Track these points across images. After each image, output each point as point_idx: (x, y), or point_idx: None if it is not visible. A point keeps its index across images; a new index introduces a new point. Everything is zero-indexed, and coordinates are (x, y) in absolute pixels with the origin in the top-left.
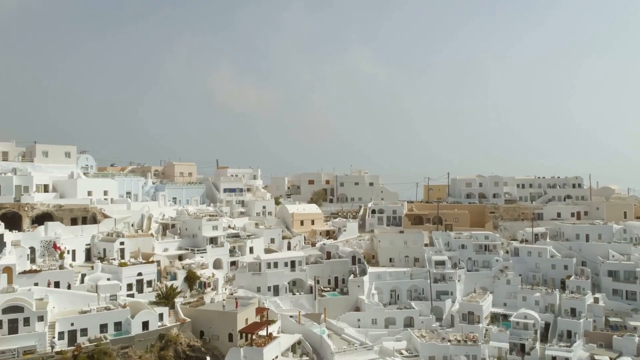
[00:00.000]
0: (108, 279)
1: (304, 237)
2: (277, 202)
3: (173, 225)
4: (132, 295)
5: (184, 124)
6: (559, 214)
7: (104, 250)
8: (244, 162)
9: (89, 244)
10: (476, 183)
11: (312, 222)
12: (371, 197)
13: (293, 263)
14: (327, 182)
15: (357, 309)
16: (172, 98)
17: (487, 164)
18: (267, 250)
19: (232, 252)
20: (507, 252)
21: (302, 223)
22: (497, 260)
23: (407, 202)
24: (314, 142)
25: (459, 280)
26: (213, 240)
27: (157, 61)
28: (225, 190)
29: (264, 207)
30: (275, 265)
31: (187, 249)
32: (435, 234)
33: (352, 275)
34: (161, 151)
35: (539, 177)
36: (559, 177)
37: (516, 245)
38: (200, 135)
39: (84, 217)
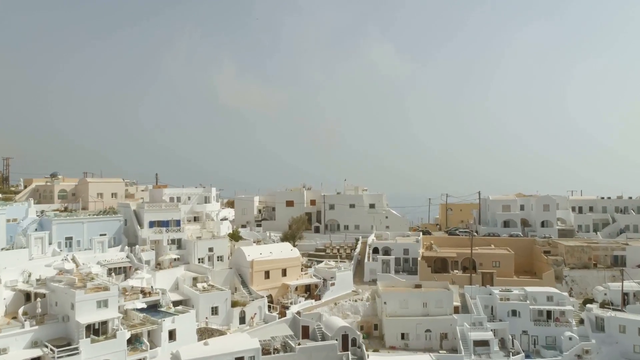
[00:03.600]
0: None
1: (270, 297)
2: (236, 237)
3: (42, 295)
4: None
5: (184, 124)
6: None
7: None
8: (241, 166)
9: None
10: (517, 205)
11: (284, 273)
12: (372, 225)
13: None
14: (313, 202)
15: None
16: (173, 99)
17: (516, 181)
18: (203, 332)
19: (135, 343)
20: (581, 321)
21: (267, 275)
22: (570, 339)
23: (422, 230)
24: (318, 146)
25: None
26: (97, 328)
27: (158, 60)
28: (151, 224)
29: (210, 250)
30: None
31: (47, 347)
32: (469, 291)
33: None
34: (159, 151)
35: (603, 198)
36: (630, 198)
37: (597, 312)
38: (198, 136)
39: None
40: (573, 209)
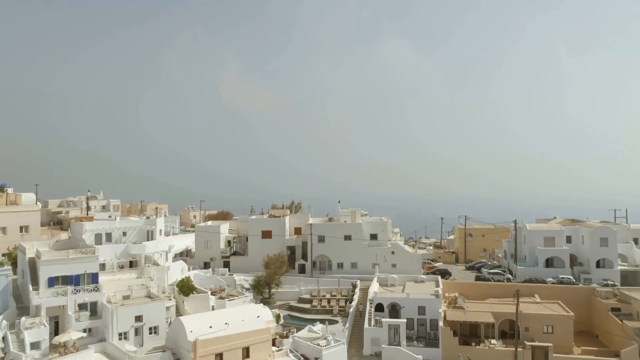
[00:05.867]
0: None
1: None
2: (187, 288)
3: None
4: None
5: (184, 124)
6: None
7: None
8: (240, 166)
9: None
10: (562, 237)
11: (246, 353)
12: (374, 263)
13: None
14: (297, 231)
15: None
16: (174, 99)
17: (518, 182)
18: None
19: None
20: None
21: (219, 359)
22: None
23: (437, 269)
24: (322, 148)
25: None
26: None
27: (159, 60)
28: (51, 281)
29: (138, 319)
30: None
31: None
32: None
33: None
34: (158, 150)
35: None
36: None
37: None
38: (198, 136)
39: None
40: (635, 241)
